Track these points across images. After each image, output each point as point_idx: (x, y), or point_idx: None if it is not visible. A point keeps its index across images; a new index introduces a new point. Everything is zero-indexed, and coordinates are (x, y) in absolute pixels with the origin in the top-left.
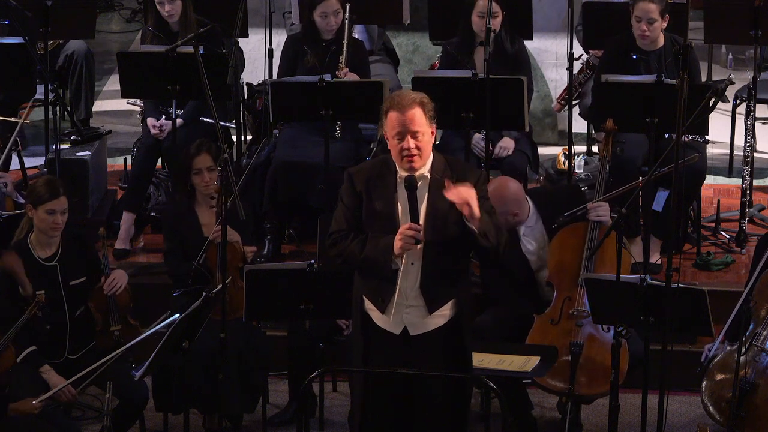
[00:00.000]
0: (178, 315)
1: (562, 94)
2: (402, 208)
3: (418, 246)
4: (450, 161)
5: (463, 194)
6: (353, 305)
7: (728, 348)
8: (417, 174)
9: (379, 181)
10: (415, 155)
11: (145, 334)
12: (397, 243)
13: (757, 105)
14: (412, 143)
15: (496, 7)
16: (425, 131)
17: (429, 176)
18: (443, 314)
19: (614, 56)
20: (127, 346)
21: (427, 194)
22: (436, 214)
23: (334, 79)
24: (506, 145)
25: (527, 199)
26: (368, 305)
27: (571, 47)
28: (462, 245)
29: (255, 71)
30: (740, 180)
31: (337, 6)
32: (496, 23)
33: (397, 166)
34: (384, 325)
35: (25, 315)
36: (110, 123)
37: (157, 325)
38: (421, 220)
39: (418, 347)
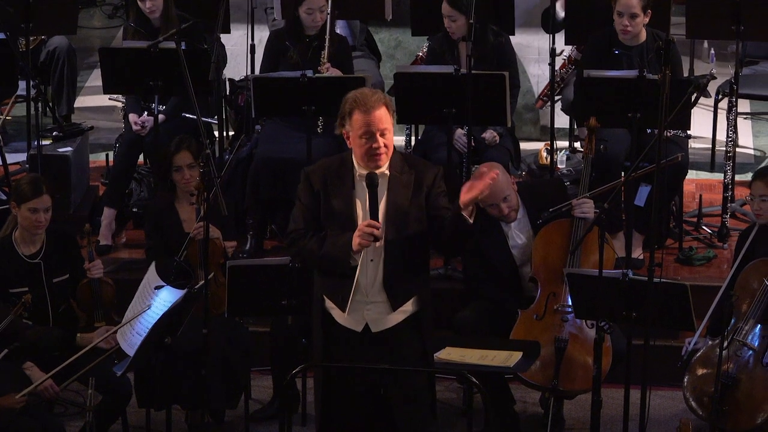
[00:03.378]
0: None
1: (543, 90)
2: (360, 205)
3: (377, 243)
4: (407, 158)
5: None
6: (314, 304)
7: (709, 342)
8: (378, 172)
9: (337, 179)
10: (383, 153)
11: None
12: (356, 240)
13: (739, 100)
14: (381, 141)
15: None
16: (391, 129)
17: (388, 173)
18: (405, 310)
19: (596, 51)
20: (114, 348)
21: (386, 191)
22: (396, 211)
23: (316, 75)
24: (493, 136)
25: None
26: (329, 304)
27: (553, 42)
28: (422, 241)
29: (237, 67)
30: (722, 175)
31: (323, 2)
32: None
33: (355, 164)
34: (345, 322)
35: (9, 316)
36: (92, 119)
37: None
38: (381, 217)
39: (379, 343)
